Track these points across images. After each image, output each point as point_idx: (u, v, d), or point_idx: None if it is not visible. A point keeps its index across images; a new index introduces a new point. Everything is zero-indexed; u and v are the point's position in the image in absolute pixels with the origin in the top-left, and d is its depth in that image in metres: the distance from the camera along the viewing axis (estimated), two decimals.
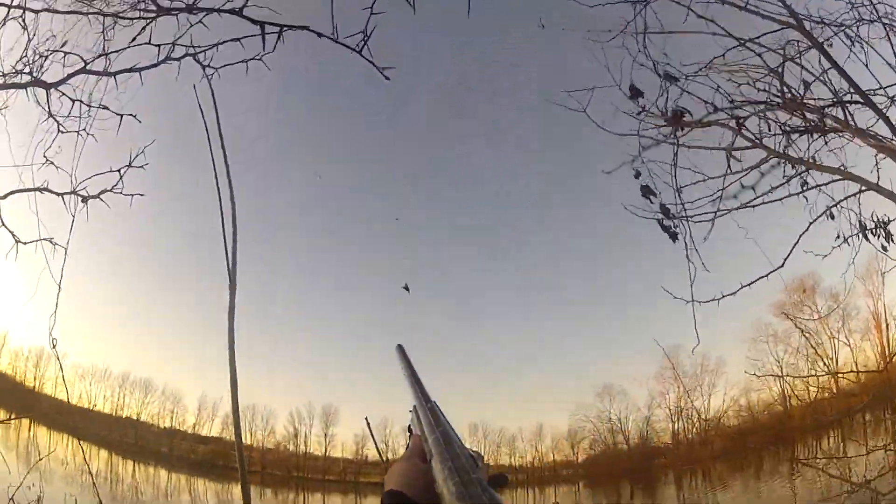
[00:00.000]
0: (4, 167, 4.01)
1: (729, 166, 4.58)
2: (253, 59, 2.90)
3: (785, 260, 4.59)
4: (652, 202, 4.93)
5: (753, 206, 4.64)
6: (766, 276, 4.50)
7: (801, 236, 4.60)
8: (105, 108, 3.80)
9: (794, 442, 25.37)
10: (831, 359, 29.31)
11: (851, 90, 4.64)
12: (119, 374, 36.42)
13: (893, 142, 4.53)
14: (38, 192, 3.90)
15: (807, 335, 28.40)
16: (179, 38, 3.09)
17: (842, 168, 4.90)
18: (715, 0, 4.59)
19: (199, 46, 3.05)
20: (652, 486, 30.06)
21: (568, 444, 42.95)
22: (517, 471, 35.69)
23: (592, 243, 48.42)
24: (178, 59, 3.20)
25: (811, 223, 4.61)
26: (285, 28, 2.82)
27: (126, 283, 47.75)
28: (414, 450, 0.82)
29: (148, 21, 3.46)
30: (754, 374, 46.41)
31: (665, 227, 4.89)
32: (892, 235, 4.51)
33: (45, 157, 3.88)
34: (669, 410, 36.48)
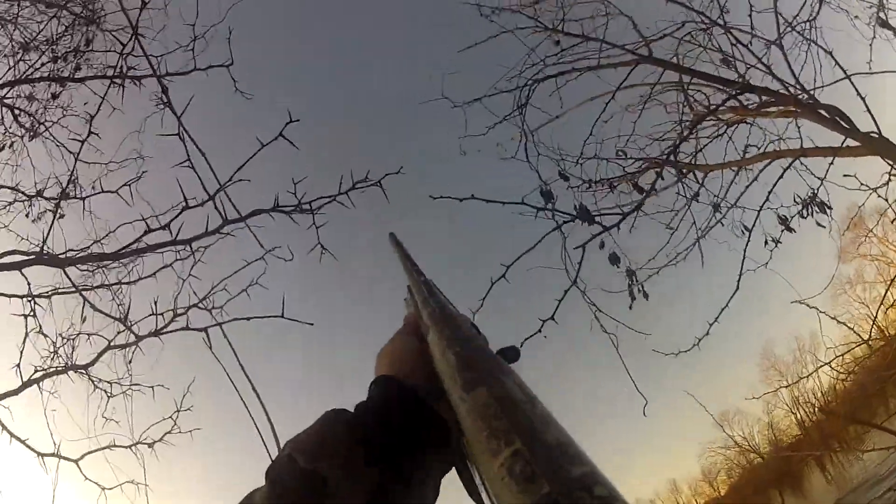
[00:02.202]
0: (74, 439, 4.25)
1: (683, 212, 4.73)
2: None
3: (738, 280, 4.49)
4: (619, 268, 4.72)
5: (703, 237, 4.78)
6: (727, 304, 4.47)
7: (745, 251, 4.57)
8: (137, 384, 4.24)
9: None
10: None
11: (736, 89, 4.77)
12: None
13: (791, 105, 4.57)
14: (108, 450, 4.22)
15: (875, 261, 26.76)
16: (177, 294, 3.64)
17: (768, 147, 4.85)
18: (568, 69, 5.01)
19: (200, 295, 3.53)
20: (799, 483, 27.90)
21: (706, 485, 39.75)
22: None
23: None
24: (185, 312, 3.65)
25: (750, 233, 4.64)
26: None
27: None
28: (406, 327, 0.68)
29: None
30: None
31: (631, 293, 4.74)
32: (825, 205, 4.45)
33: (104, 417, 4.24)
34: (787, 406, 33.99)
